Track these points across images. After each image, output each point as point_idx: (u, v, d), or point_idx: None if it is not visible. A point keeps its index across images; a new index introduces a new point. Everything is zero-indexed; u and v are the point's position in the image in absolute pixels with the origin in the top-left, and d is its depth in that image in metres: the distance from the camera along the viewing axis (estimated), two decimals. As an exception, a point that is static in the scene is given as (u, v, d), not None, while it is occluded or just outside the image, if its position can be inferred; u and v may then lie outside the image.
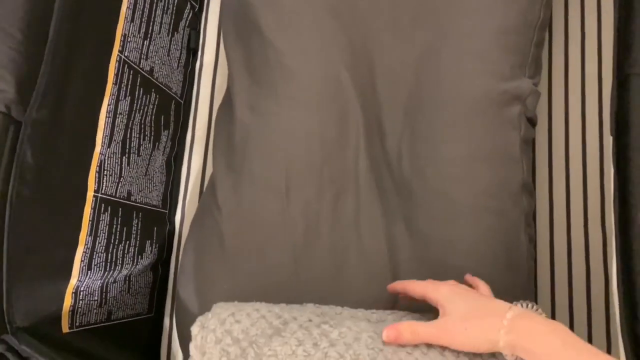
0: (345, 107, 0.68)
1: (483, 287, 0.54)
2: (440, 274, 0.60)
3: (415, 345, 0.47)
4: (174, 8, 0.74)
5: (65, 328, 0.55)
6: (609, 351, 0.68)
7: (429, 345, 0.47)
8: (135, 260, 0.67)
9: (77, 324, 0.57)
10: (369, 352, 0.44)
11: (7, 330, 0.46)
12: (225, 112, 0.72)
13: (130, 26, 0.62)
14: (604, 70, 0.76)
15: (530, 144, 0.69)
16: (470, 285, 0.55)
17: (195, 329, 0.47)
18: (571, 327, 0.71)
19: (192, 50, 0.81)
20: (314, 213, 0.65)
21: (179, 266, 0.72)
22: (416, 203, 0.66)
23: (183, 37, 0.78)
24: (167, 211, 0.76)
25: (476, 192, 0.63)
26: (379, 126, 0.69)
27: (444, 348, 0.47)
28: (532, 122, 0.68)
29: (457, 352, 0.47)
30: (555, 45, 0.79)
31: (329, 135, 0.67)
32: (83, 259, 0.56)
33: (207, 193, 0.70)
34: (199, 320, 0.48)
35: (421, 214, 0.65)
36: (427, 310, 0.54)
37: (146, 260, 0.69)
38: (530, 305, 0.49)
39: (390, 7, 0.70)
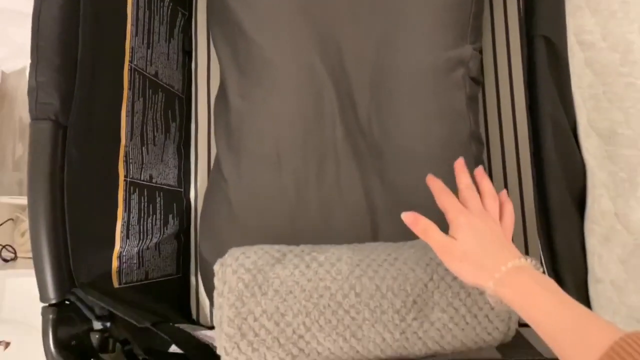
0: (320, 87, 0.81)
1: (508, 213, 0.54)
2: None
3: (385, 259, 0.61)
4: (168, 18, 0.87)
5: (115, 284, 0.69)
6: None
7: (396, 257, 0.61)
8: (162, 231, 0.81)
9: (124, 281, 0.72)
10: (348, 266, 0.59)
11: (76, 285, 0.61)
12: (221, 102, 0.86)
13: (135, 40, 0.76)
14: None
15: (476, 100, 0.82)
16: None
17: (216, 267, 0.62)
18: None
19: (187, 53, 0.95)
20: (302, 177, 0.79)
21: (198, 231, 0.87)
22: (386, 159, 0.79)
23: (178, 42, 0.92)
24: (182, 189, 0.90)
25: (432, 144, 0.77)
26: (350, 100, 0.82)
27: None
28: (476, 81, 0.81)
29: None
30: (496, 12, 0.91)
31: (308, 112, 0.80)
32: (122, 230, 0.71)
33: (214, 170, 0.84)
34: (219, 260, 0.63)
35: (390, 168, 0.79)
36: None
37: (170, 230, 0.84)
38: (530, 260, 0.50)
39: (350, 2, 0.82)
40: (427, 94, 0.78)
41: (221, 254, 0.77)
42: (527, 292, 0.46)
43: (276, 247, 0.64)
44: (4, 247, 1.11)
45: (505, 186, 0.87)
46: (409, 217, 0.54)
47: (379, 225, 0.78)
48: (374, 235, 0.77)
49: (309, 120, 0.80)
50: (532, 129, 0.63)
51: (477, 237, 0.51)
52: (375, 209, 0.79)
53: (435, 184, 0.58)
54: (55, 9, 0.60)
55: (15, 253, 1.12)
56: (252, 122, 0.80)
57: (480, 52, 0.85)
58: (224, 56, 0.85)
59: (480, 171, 0.59)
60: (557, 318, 0.43)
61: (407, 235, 0.73)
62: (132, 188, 0.74)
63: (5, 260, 1.10)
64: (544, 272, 0.50)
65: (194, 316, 0.89)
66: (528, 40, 0.64)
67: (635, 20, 0.68)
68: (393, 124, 0.79)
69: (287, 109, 0.80)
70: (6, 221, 1.16)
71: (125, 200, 0.72)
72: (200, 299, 0.88)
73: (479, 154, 0.79)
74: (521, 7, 0.66)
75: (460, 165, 0.59)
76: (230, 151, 0.81)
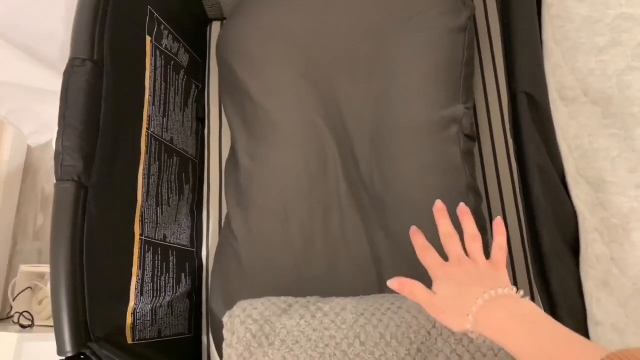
0: (323, 144, 0.87)
1: (497, 247, 0.55)
2: (414, 267, 0.76)
3: (388, 307, 0.63)
4: (183, 89, 0.95)
5: (129, 340, 0.72)
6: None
7: (399, 306, 0.63)
8: (175, 289, 0.84)
9: (137, 338, 0.74)
10: (353, 316, 0.61)
11: (92, 339, 0.63)
12: (231, 163, 0.91)
13: (152, 109, 0.83)
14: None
15: (472, 154, 0.86)
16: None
17: (225, 318, 0.64)
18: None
19: (201, 120, 1.02)
20: (308, 230, 0.82)
21: (209, 288, 0.89)
22: (388, 211, 0.83)
23: (192, 110, 0.99)
24: (194, 249, 0.94)
25: (430, 195, 0.79)
26: (352, 155, 0.87)
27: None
28: (470, 137, 0.86)
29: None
30: (487, 71, 0.98)
31: (312, 168, 0.85)
32: (137, 287, 0.74)
33: (225, 227, 0.88)
34: (228, 313, 0.65)
35: (393, 219, 0.82)
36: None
37: (183, 289, 0.87)
38: (513, 289, 0.49)
39: (348, 64, 0.89)
40: (424, 148, 0.83)
41: (230, 307, 0.80)
42: (503, 329, 0.46)
43: (283, 298, 0.67)
44: (22, 314, 1.14)
45: (508, 239, 0.89)
46: (394, 284, 0.55)
47: (383, 277, 0.80)
48: (380, 285, 0.79)
49: (313, 176, 0.85)
50: (521, 178, 0.66)
51: (452, 285, 0.52)
52: (380, 260, 0.81)
53: (418, 241, 0.60)
54: (82, 83, 0.67)
55: (32, 320, 1.14)
56: (260, 179, 0.85)
57: (474, 109, 0.91)
58: (234, 121, 0.92)
59: (461, 210, 0.59)
60: (534, 351, 0.42)
61: None
62: (147, 246, 0.78)
63: (23, 327, 1.13)
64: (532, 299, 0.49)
65: (205, 376, 0.89)
66: (511, 97, 0.69)
67: (612, 76, 0.73)
68: (392, 176, 0.83)
69: (292, 166, 0.85)
70: (25, 289, 1.20)
71: (140, 258, 0.76)
72: (212, 358, 0.89)
73: (477, 205, 0.82)
74: (504, 64, 0.71)
75: (438, 210, 0.60)
76: (240, 208, 0.85)
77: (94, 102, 0.68)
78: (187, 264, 0.90)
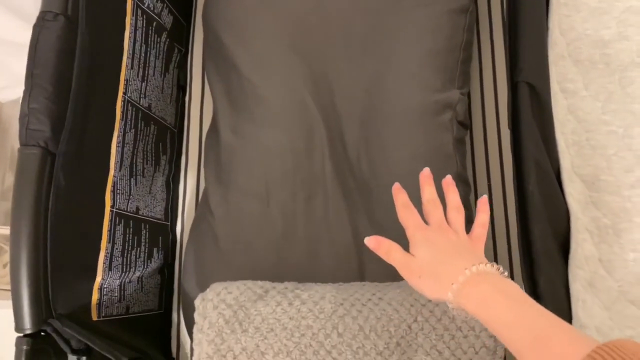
0: (310, 124, 0.82)
1: (479, 223, 0.54)
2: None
3: (369, 298, 0.60)
4: (164, 53, 0.89)
5: (94, 316, 0.68)
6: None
7: (380, 297, 0.60)
8: (146, 264, 0.80)
9: (103, 314, 0.70)
10: (332, 305, 0.58)
11: (53, 316, 0.60)
12: (212, 136, 0.87)
13: (130, 72, 0.77)
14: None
15: (463, 143, 0.83)
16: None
17: (197, 301, 0.61)
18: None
19: (182, 87, 0.96)
20: (290, 213, 0.79)
21: (182, 265, 0.86)
22: (374, 198, 0.80)
23: (173, 76, 0.93)
24: (169, 223, 0.90)
25: (418, 184, 0.77)
26: (340, 137, 0.83)
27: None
28: (463, 124, 0.83)
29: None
30: (484, 57, 0.94)
31: (298, 147, 0.81)
32: (105, 261, 0.70)
33: (202, 203, 0.84)
34: (200, 295, 0.62)
35: (378, 207, 0.79)
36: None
37: (154, 264, 0.83)
38: (494, 265, 0.48)
39: (342, 41, 0.85)
40: (414, 134, 0.79)
41: (204, 288, 0.76)
42: (487, 302, 0.44)
43: (260, 283, 0.64)
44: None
45: (492, 229, 0.87)
46: (371, 242, 0.55)
47: (365, 264, 0.78)
48: (361, 273, 0.76)
49: (298, 155, 0.81)
50: (516, 171, 0.64)
51: (433, 250, 0.50)
52: (362, 248, 0.78)
53: (399, 197, 0.58)
54: (53, 39, 0.61)
55: None
56: (242, 156, 0.81)
57: (468, 96, 0.87)
58: (217, 92, 0.87)
59: (446, 182, 0.58)
60: (519, 330, 0.41)
61: (394, 275, 0.73)
62: (117, 219, 0.73)
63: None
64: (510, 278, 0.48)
65: (174, 354, 0.86)
66: (512, 87, 0.66)
67: (615, 71, 0.70)
68: (381, 162, 0.80)
69: (277, 144, 0.81)
70: (-8, 250, 1.14)
71: (110, 231, 0.71)
72: (182, 336, 0.86)
73: (465, 195, 0.80)
74: (506, 53, 0.68)
75: (424, 177, 0.59)
76: (219, 185, 0.81)
77: (66, 61, 0.62)
78: (160, 238, 0.86)
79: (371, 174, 0.81)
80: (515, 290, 0.45)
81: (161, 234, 0.86)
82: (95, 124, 0.68)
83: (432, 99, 0.80)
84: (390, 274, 0.73)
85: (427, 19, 0.83)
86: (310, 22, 0.85)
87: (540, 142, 0.64)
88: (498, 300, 0.44)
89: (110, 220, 0.72)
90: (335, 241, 0.79)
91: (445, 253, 0.50)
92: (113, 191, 0.73)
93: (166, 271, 0.87)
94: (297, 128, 0.82)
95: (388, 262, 0.54)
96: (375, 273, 0.76)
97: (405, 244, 0.56)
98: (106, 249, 0.70)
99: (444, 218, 0.55)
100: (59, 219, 0.61)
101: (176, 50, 0.94)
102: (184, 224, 0.91)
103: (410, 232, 0.54)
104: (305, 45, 0.84)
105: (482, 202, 0.56)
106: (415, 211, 0.56)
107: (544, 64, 0.66)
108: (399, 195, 0.58)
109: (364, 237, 0.79)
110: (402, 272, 0.52)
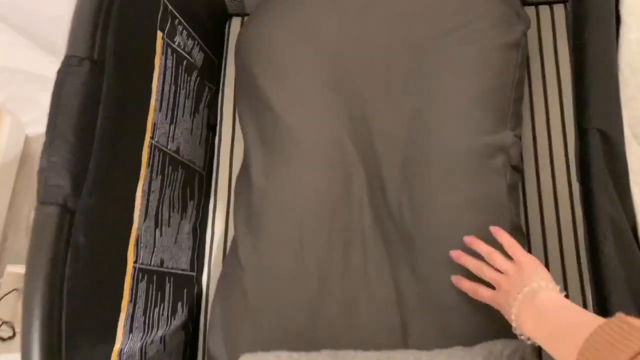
0: (348, 167, 0.76)
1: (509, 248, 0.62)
2: (443, 312, 0.67)
3: None
4: (194, 93, 0.85)
5: (113, 385, 0.62)
6: None
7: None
8: (169, 321, 0.74)
9: (123, 381, 0.64)
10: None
11: (67, 386, 0.54)
12: (243, 180, 0.81)
13: (158, 115, 0.73)
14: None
15: (517, 189, 0.76)
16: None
17: (227, 377, 0.54)
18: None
19: (212, 127, 0.92)
20: (325, 265, 0.72)
21: (208, 322, 0.79)
22: (418, 250, 0.72)
23: (203, 116, 0.89)
24: (194, 273, 0.84)
25: (468, 234, 0.70)
26: (380, 182, 0.77)
27: None
28: (517, 169, 0.76)
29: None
30: (536, 96, 0.87)
31: (335, 193, 0.75)
32: (125, 323, 0.64)
33: (230, 254, 0.78)
34: (229, 369, 0.55)
35: (423, 259, 0.72)
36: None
37: (178, 320, 0.77)
38: (544, 283, 0.54)
39: (382, 78, 0.79)
40: (463, 181, 0.72)
41: (231, 349, 0.70)
42: (524, 323, 0.52)
43: (295, 355, 0.57)
44: (4, 322, 1.04)
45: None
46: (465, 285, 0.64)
47: (408, 324, 0.70)
48: (404, 335, 0.69)
49: (335, 202, 0.75)
50: (588, 230, 0.56)
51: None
52: (405, 305, 0.71)
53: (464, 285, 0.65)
54: (77, 86, 0.57)
55: (14, 330, 1.05)
56: (274, 202, 0.75)
57: (520, 138, 0.80)
58: (249, 132, 0.82)
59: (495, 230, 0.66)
60: (545, 338, 0.50)
61: (440, 335, 0.67)
62: (140, 275, 0.68)
63: (2, 339, 1.03)
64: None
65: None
66: (580, 133, 0.58)
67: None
68: (426, 211, 0.73)
69: (312, 190, 0.75)
70: (10, 292, 1.10)
71: (132, 289, 0.66)
72: (207, 398, 0.79)
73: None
74: (573, 98, 0.61)
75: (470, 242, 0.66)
76: (250, 233, 0.75)
77: (91, 108, 0.58)
78: (185, 290, 0.80)
79: (414, 224, 0.73)
80: (542, 303, 0.52)
81: (186, 285, 0.80)
82: (119, 173, 0.63)
83: (483, 142, 0.73)
84: (435, 336, 0.66)
85: (475, 55, 0.77)
86: (348, 58, 0.80)
87: (614, 196, 0.57)
88: (529, 319, 0.52)
89: (133, 278, 0.66)
90: (375, 298, 0.72)
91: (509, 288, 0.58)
92: (136, 245, 0.67)
93: (190, 326, 0.81)
94: (334, 172, 0.76)
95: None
96: (418, 334, 0.69)
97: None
98: (127, 310, 0.64)
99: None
100: (77, 281, 0.55)
101: (207, 89, 0.90)
102: (210, 274, 0.85)
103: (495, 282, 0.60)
104: (343, 82, 0.79)
105: (496, 231, 0.65)
106: (491, 270, 0.62)
107: (616, 107, 0.59)
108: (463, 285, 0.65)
109: (407, 293, 0.73)
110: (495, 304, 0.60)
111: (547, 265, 0.79)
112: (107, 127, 0.60)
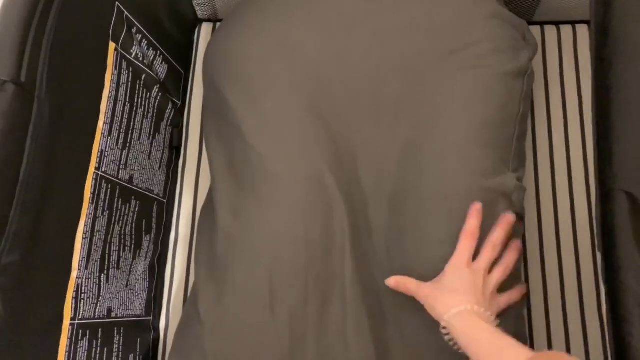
0: (329, 207, 0.66)
1: (500, 267, 0.60)
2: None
3: None
4: (154, 111, 0.74)
5: None
6: None
7: None
8: (117, 381, 0.64)
9: None
10: None
11: None
12: (208, 215, 0.71)
13: (107, 141, 0.62)
14: (590, 163, 0.76)
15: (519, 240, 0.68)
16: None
17: None
18: None
19: (175, 148, 0.81)
20: (299, 324, 0.63)
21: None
22: (407, 306, 0.63)
23: (165, 136, 0.78)
24: (150, 318, 0.73)
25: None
26: (365, 224, 0.68)
27: None
28: (519, 217, 0.67)
29: None
30: (539, 131, 0.79)
31: (313, 238, 0.65)
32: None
33: (190, 305, 0.68)
34: None
35: (411, 317, 0.63)
36: None
37: (128, 377, 0.67)
38: (476, 308, 0.55)
39: (371, 103, 0.69)
40: (461, 227, 0.63)
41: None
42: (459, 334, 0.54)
43: None
44: None
45: (549, 341, 0.71)
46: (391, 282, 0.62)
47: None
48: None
49: (313, 248, 0.65)
50: (611, 307, 0.48)
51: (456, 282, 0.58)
52: (388, 368, 0.62)
53: (471, 223, 0.61)
54: (-2, 112, 0.46)
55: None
56: (242, 247, 0.65)
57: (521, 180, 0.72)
58: (217, 161, 0.71)
59: (503, 219, 0.62)
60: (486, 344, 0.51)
61: None
62: (80, 332, 0.57)
63: None
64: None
65: None
66: (603, 195, 0.50)
67: None
68: (417, 259, 0.64)
69: (287, 233, 0.65)
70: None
71: (68, 351, 0.55)
72: None
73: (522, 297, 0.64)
74: (595, 156, 0.53)
75: (473, 210, 0.61)
76: (212, 281, 0.65)
77: (15, 143, 0.47)
78: (138, 340, 0.69)
79: (404, 274, 0.64)
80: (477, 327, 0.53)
81: (140, 334, 0.70)
82: (52, 218, 0.52)
83: (482, 185, 0.64)
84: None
85: (476, 83, 0.67)
86: (331, 78, 0.70)
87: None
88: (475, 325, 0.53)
89: (70, 338, 0.55)
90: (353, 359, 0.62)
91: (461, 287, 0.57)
92: (76, 298, 0.57)
93: (144, 380, 0.71)
94: (312, 212, 0.66)
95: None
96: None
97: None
98: (61, 380, 0.54)
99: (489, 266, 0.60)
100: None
101: (170, 105, 0.78)
102: (169, 318, 0.75)
103: (455, 260, 0.59)
104: (324, 106, 0.69)
105: (515, 244, 0.63)
106: (474, 243, 0.60)
107: (644, 164, 0.51)
108: (471, 220, 0.60)
109: (392, 353, 0.64)
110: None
111: (547, 323, 0.72)
112: (35, 163, 0.49)
